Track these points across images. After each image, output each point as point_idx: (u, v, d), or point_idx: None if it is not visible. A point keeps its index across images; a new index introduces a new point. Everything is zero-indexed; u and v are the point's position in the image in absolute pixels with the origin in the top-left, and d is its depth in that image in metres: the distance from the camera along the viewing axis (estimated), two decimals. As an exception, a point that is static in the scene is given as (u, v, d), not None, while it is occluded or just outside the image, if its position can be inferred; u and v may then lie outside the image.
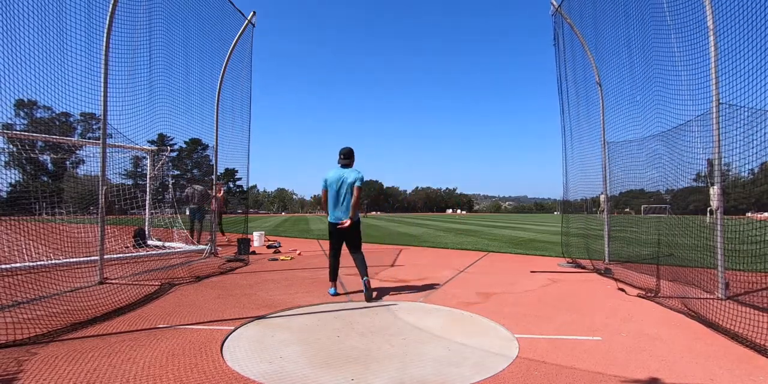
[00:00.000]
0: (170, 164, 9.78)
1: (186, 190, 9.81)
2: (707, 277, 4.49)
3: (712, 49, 4.08)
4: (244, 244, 8.25)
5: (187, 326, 3.47)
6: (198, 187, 9.89)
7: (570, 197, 7.80)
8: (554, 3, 7.18)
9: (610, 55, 6.37)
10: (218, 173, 8.34)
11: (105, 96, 4.82)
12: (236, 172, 9.38)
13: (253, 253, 8.57)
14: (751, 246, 4.02)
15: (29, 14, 3.84)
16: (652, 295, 4.67)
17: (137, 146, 8.63)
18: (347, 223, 4.64)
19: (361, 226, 5.00)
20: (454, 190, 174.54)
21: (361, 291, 4.61)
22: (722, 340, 3.20)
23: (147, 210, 9.74)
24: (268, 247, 9.88)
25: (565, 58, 7.29)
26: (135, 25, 5.20)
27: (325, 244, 11.48)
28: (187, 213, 9.91)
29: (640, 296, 4.70)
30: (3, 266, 5.32)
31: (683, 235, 5.08)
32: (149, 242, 9.53)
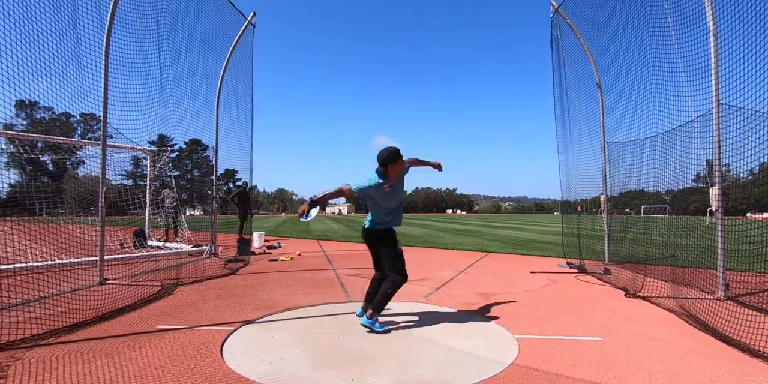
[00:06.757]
0: (170, 164, 9.79)
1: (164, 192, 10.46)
2: (708, 277, 4.49)
3: (713, 48, 4.08)
4: (244, 245, 8.24)
5: (187, 327, 3.48)
6: (166, 191, 10.55)
7: (572, 197, 7.74)
8: (554, 3, 7.18)
9: (610, 55, 6.37)
10: (218, 174, 8.32)
11: (105, 96, 4.82)
12: (236, 172, 9.37)
13: (253, 253, 8.57)
14: (752, 246, 4.02)
15: (28, 14, 3.84)
16: (652, 295, 4.67)
17: (137, 147, 8.63)
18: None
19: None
20: (454, 190, 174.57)
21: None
22: (722, 341, 3.20)
23: (147, 210, 9.75)
24: (268, 247, 9.88)
25: (564, 59, 7.27)
26: (135, 25, 5.20)
27: (326, 245, 11.44)
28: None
29: (639, 297, 4.69)
30: (4, 266, 5.32)
31: (684, 236, 5.08)
32: (149, 242, 9.54)
